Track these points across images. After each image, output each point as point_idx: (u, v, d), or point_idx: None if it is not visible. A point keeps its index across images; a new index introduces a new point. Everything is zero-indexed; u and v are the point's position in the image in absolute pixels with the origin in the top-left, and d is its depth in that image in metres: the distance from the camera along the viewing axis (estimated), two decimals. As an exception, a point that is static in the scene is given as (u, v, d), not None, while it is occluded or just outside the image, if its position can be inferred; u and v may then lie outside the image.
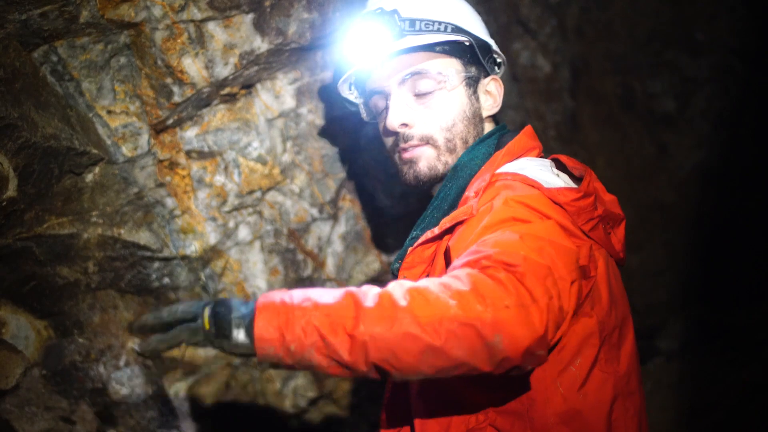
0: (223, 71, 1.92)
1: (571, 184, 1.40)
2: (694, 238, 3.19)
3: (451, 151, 1.51)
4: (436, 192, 1.53)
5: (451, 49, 1.51)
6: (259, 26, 1.94)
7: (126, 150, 1.87)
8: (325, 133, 2.20)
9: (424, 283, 1.12)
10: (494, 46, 1.56)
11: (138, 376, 2.01)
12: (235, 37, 1.92)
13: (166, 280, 2.01)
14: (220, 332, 1.11)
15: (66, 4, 1.63)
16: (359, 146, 2.26)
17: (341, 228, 2.30)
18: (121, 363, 1.99)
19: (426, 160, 1.52)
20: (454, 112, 1.50)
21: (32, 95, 1.64)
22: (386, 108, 1.54)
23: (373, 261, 2.36)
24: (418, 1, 1.52)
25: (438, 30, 1.48)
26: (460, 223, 1.33)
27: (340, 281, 2.32)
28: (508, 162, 1.45)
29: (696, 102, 3.20)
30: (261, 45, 1.95)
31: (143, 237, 1.93)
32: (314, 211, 2.22)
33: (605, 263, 1.36)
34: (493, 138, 1.53)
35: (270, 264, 2.18)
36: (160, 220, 1.98)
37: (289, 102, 2.13)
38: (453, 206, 1.46)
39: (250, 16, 1.93)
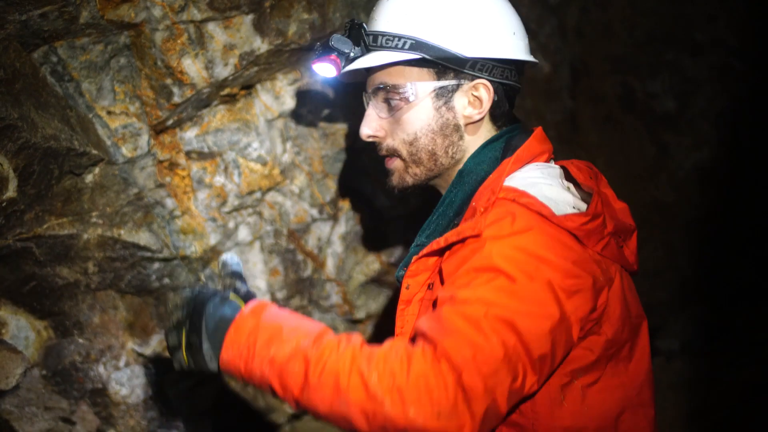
0: (223, 72, 1.92)
1: (580, 203, 1.36)
2: (694, 238, 3.19)
3: (418, 163, 1.50)
4: (442, 197, 1.52)
5: (419, 60, 1.47)
6: (259, 27, 1.95)
7: (126, 150, 1.87)
8: (324, 133, 2.20)
9: (377, 358, 1.16)
10: (472, 53, 1.46)
11: (138, 377, 2.01)
12: (235, 38, 1.92)
13: (166, 280, 2.01)
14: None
15: (66, 5, 1.63)
16: (359, 146, 2.26)
17: (341, 228, 2.30)
18: (121, 363, 1.99)
19: (396, 172, 1.54)
20: (417, 126, 1.48)
21: (32, 96, 1.64)
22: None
23: (373, 261, 2.36)
24: (387, 15, 1.49)
25: (396, 47, 1.46)
26: (463, 241, 1.31)
27: (340, 281, 2.32)
28: (517, 169, 1.42)
29: (696, 102, 3.20)
30: (261, 46, 1.96)
31: (143, 237, 1.93)
32: (314, 212, 2.22)
33: (620, 279, 1.35)
34: (500, 141, 1.50)
35: (270, 264, 2.18)
36: (160, 221, 1.98)
37: (289, 102, 2.13)
38: (459, 213, 1.45)
39: (250, 17, 1.93)
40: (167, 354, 2.05)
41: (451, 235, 1.33)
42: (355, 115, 2.20)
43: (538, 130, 1.52)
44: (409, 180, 1.52)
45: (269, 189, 2.14)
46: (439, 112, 1.49)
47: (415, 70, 1.48)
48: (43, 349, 1.88)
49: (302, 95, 2.15)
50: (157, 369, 2.05)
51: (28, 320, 1.85)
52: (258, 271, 2.16)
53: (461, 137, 1.51)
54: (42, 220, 1.75)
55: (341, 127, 2.20)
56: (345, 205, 2.29)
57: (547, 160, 1.50)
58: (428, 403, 1.10)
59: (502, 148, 1.49)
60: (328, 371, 1.16)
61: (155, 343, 2.04)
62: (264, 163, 2.11)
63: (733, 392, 2.85)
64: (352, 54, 1.53)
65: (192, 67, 1.88)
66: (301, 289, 2.25)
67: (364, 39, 1.50)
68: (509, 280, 1.20)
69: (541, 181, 1.36)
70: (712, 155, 3.19)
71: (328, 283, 2.31)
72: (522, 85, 1.59)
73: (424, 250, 1.39)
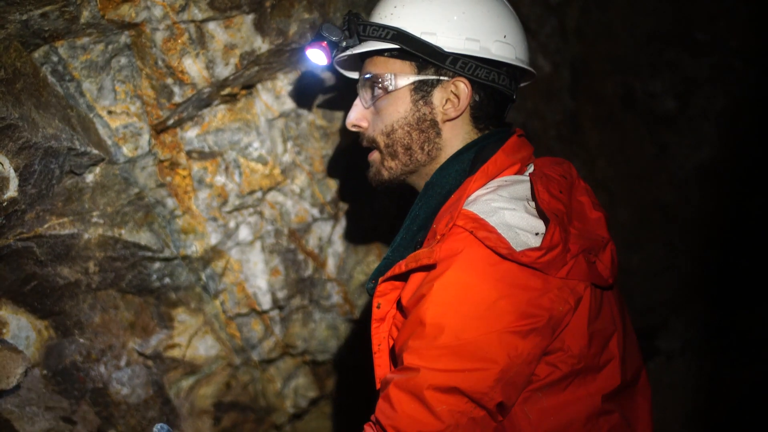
0: (223, 71, 1.92)
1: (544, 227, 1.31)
2: (694, 238, 3.19)
3: (393, 156, 1.51)
4: (410, 209, 1.50)
5: (401, 53, 1.49)
6: (260, 27, 1.95)
7: (127, 150, 1.87)
8: (325, 133, 2.20)
9: None
10: (454, 47, 1.45)
11: (138, 376, 2.01)
12: (236, 38, 1.92)
13: (167, 280, 2.01)
14: None
15: (67, 5, 1.63)
16: (359, 146, 2.26)
17: (342, 228, 2.30)
18: (122, 363, 1.99)
19: (375, 165, 1.56)
20: (394, 118, 1.49)
21: (33, 95, 1.64)
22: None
23: (374, 261, 2.36)
24: (381, 7, 1.53)
25: (378, 37, 1.49)
26: (420, 269, 1.31)
27: (340, 281, 2.32)
28: (481, 186, 1.39)
29: (696, 102, 3.20)
30: (261, 45, 1.96)
31: (144, 237, 1.93)
32: (315, 212, 2.23)
33: (590, 295, 1.31)
34: (469, 153, 1.47)
35: (271, 264, 2.18)
36: (161, 221, 1.98)
37: (290, 102, 2.13)
38: (422, 228, 1.45)
39: (250, 17, 1.93)
40: (167, 353, 2.05)
41: (410, 261, 1.32)
42: (355, 115, 2.21)
43: (512, 140, 1.48)
44: (385, 174, 1.54)
45: (270, 189, 2.14)
46: (416, 105, 1.49)
47: (397, 62, 1.49)
48: (44, 349, 1.88)
49: (303, 95, 2.15)
50: (158, 368, 2.05)
51: (28, 320, 1.85)
52: (259, 270, 2.16)
53: (438, 134, 1.50)
54: (43, 220, 1.75)
55: (342, 127, 2.20)
56: (346, 204, 2.29)
57: (521, 169, 1.46)
58: None
59: (470, 160, 1.46)
60: None
61: (156, 343, 2.04)
62: (265, 163, 2.11)
63: (733, 392, 2.85)
64: (344, 43, 1.55)
65: (193, 67, 1.88)
66: (301, 288, 2.25)
67: (357, 29, 1.53)
68: (452, 338, 1.21)
69: (503, 207, 1.31)
70: (712, 155, 3.19)
71: (329, 282, 2.31)
72: (515, 91, 1.54)
73: (388, 273, 1.38)
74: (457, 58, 1.46)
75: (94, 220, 1.85)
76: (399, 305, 1.38)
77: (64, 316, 1.89)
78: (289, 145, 2.16)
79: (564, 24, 3.11)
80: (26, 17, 1.59)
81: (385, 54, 1.51)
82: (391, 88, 1.49)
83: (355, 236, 2.32)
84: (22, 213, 1.68)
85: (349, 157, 2.26)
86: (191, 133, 2.01)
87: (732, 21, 3.13)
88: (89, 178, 1.82)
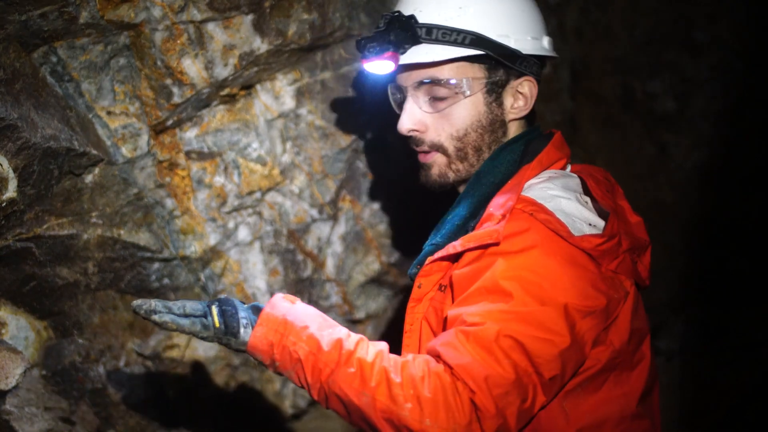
0: (222, 72, 1.92)
1: (597, 219, 1.35)
2: (694, 238, 3.19)
3: (462, 159, 1.48)
4: (458, 197, 1.50)
5: (473, 55, 1.44)
6: (259, 27, 1.95)
7: (126, 151, 1.87)
8: (324, 133, 2.20)
9: (402, 364, 1.20)
10: (526, 49, 1.46)
11: (138, 377, 2.01)
12: (235, 38, 1.92)
13: (166, 280, 2.01)
14: (229, 330, 1.23)
15: (66, 5, 1.63)
16: (359, 146, 2.26)
17: (341, 228, 2.30)
18: (121, 363, 1.99)
19: (437, 167, 1.51)
20: (468, 122, 1.46)
21: (32, 96, 1.64)
22: (402, 108, 1.51)
23: (373, 261, 2.36)
24: (438, 6, 1.44)
25: (455, 42, 1.42)
26: (479, 247, 1.30)
27: (339, 282, 2.32)
28: (535, 175, 1.42)
29: (696, 102, 3.19)
30: (261, 46, 1.96)
31: (143, 238, 1.93)
32: (314, 212, 2.22)
33: (633, 294, 1.35)
34: (519, 144, 1.48)
35: (270, 265, 2.18)
36: (160, 221, 1.98)
37: (289, 103, 2.13)
38: (473, 216, 1.44)
39: (249, 17, 1.93)
40: (166, 354, 2.05)
41: (467, 241, 1.32)
42: (353, 116, 2.20)
43: (557, 135, 1.51)
44: (451, 176, 1.51)
45: (269, 189, 2.14)
46: (490, 108, 1.48)
47: (467, 65, 1.45)
48: (43, 349, 1.88)
49: (302, 95, 2.15)
50: (157, 369, 2.05)
51: (28, 320, 1.85)
52: (258, 271, 2.16)
53: (504, 133, 1.51)
54: (42, 221, 1.75)
55: (341, 127, 2.20)
56: (345, 205, 2.29)
57: (564, 167, 1.49)
58: (444, 418, 1.14)
59: (521, 152, 1.47)
60: (360, 363, 1.19)
61: (155, 344, 2.04)
62: (264, 164, 2.11)
63: (732, 392, 2.85)
64: (405, 48, 1.46)
65: (192, 68, 1.88)
66: (300, 289, 2.25)
67: (414, 31, 1.44)
68: (520, 305, 1.21)
69: (559, 195, 1.35)
70: (712, 155, 3.19)
71: (328, 283, 2.31)
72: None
73: (440, 253, 1.38)
74: (525, 58, 1.47)
75: (93, 220, 1.85)
76: (442, 286, 1.39)
77: (63, 316, 1.89)
78: (288, 145, 2.16)
79: (563, 24, 3.11)
80: (25, 17, 1.59)
81: (455, 58, 1.45)
82: (467, 93, 1.45)
83: (354, 237, 2.32)
84: (21, 213, 1.68)
85: (349, 158, 2.26)
86: (190, 133, 2.01)
87: (732, 21, 3.12)
88: (88, 178, 1.82)
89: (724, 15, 3.13)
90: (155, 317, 1.21)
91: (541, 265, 1.24)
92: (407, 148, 1.56)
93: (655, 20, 3.15)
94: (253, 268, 2.15)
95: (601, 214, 1.37)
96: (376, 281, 2.40)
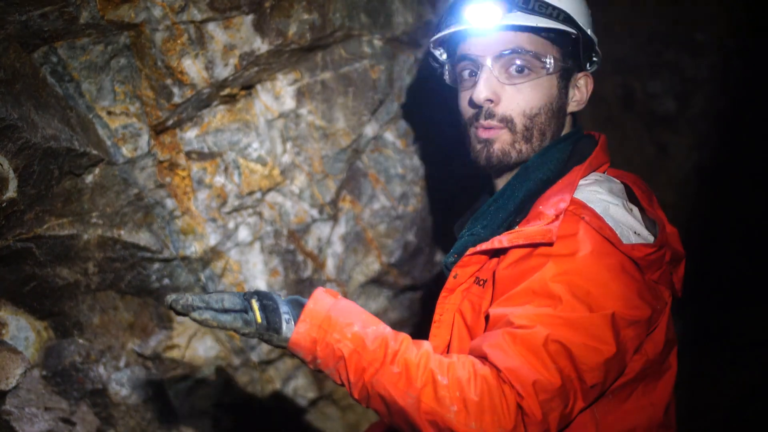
0: (223, 72, 1.92)
1: (642, 228, 1.35)
2: (694, 238, 3.19)
3: (527, 140, 1.46)
4: (501, 188, 1.49)
5: (556, 36, 1.45)
6: (259, 27, 1.94)
7: (126, 151, 1.87)
8: (324, 133, 2.20)
9: (448, 366, 1.18)
10: (596, 44, 1.50)
11: (138, 377, 2.01)
12: (235, 38, 1.92)
13: (166, 281, 2.01)
14: (271, 326, 1.19)
15: (66, 5, 1.63)
16: (359, 146, 2.26)
17: (341, 229, 2.30)
18: (121, 364, 1.99)
19: (500, 143, 1.46)
20: (542, 101, 1.45)
21: (32, 96, 1.64)
22: (474, 79, 1.48)
23: (373, 262, 2.36)
24: None
25: (550, 15, 1.42)
26: (530, 246, 1.29)
27: (340, 282, 2.32)
28: (583, 176, 1.41)
29: (696, 102, 3.20)
30: (261, 46, 1.95)
31: (143, 238, 1.93)
32: (314, 212, 2.22)
33: (670, 306, 1.37)
34: (567, 143, 1.48)
35: (270, 265, 2.18)
36: (160, 221, 1.98)
37: (289, 103, 2.13)
38: (519, 211, 1.43)
39: (250, 17, 1.93)
40: (167, 354, 2.05)
41: (517, 238, 1.30)
42: (355, 115, 2.20)
43: (603, 138, 1.51)
44: (514, 155, 1.47)
45: (269, 189, 2.14)
46: (561, 93, 1.48)
47: (549, 44, 1.45)
48: (43, 350, 1.88)
49: (302, 95, 2.15)
50: (157, 369, 2.05)
51: (28, 321, 1.85)
52: (258, 271, 2.16)
53: (563, 124, 1.51)
54: (42, 221, 1.75)
55: (341, 127, 2.20)
56: (345, 205, 2.29)
57: (604, 171, 1.49)
58: (490, 422, 1.13)
59: (569, 151, 1.47)
60: (406, 362, 1.17)
61: (155, 344, 2.04)
62: (264, 164, 2.11)
63: (732, 392, 2.85)
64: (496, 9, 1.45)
65: (192, 68, 1.88)
66: (301, 289, 2.25)
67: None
68: (568, 310, 1.20)
69: (608, 200, 1.34)
70: (712, 155, 3.19)
71: (328, 283, 2.31)
72: None
73: (484, 246, 1.36)
74: (592, 53, 1.51)
75: (94, 220, 1.85)
76: (481, 280, 1.38)
77: (63, 316, 1.89)
78: (289, 145, 2.16)
79: (564, 24, 3.11)
80: (26, 18, 1.59)
81: (541, 34, 1.45)
82: (550, 69, 1.44)
83: (354, 237, 2.32)
84: (21, 214, 1.68)
85: (349, 158, 2.26)
86: (190, 133, 2.01)
87: (732, 21, 3.12)
88: (88, 178, 1.82)
89: (724, 15, 3.13)
90: (195, 314, 1.16)
91: (591, 270, 1.23)
92: (464, 120, 1.52)
93: (655, 20, 3.16)
94: (253, 268, 2.15)
95: (647, 224, 1.37)
96: (377, 281, 2.40)
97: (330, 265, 2.29)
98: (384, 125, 2.27)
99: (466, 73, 1.51)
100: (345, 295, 2.35)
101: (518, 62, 1.43)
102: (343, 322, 1.20)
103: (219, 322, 1.17)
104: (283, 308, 1.21)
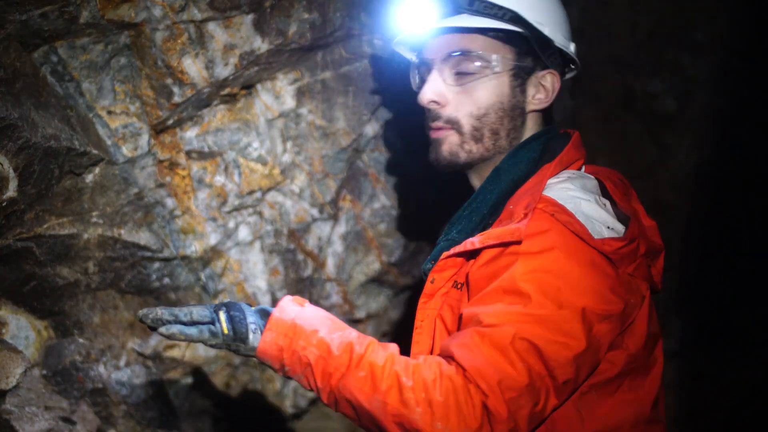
0: (223, 72, 1.92)
1: (615, 222, 1.35)
2: (694, 238, 3.19)
3: (477, 140, 1.46)
4: (475, 192, 1.49)
5: (507, 35, 1.45)
6: (260, 27, 1.95)
7: (126, 150, 1.87)
8: (324, 133, 2.20)
9: (414, 367, 1.19)
10: (558, 42, 1.48)
11: (138, 377, 2.01)
12: (236, 38, 1.92)
13: (167, 280, 2.01)
14: (237, 336, 1.22)
15: (66, 5, 1.63)
16: (359, 146, 2.26)
17: (341, 228, 2.30)
18: (122, 363, 1.99)
19: (448, 145, 1.48)
20: (490, 101, 1.45)
21: (32, 96, 1.64)
22: (425, 81, 1.50)
23: (373, 261, 2.36)
24: None
25: (495, 15, 1.42)
26: (500, 245, 1.29)
27: (340, 281, 2.32)
28: (554, 175, 1.41)
29: (696, 102, 3.19)
30: (261, 45, 1.96)
31: (143, 237, 1.93)
32: (314, 212, 2.22)
33: (649, 299, 1.36)
34: (538, 142, 1.49)
35: (270, 264, 2.18)
36: (161, 221, 1.98)
37: (289, 102, 2.13)
38: (492, 212, 1.43)
39: (250, 17, 1.93)
40: (167, 353, 2.05)
41: (487, 238, 1.31)
42: (354, 115, 2.20)
43: (576, 135, 1.51)
44: (462, 156, 1.48)
45: (269, 189, 2.14)
46: (514, 92, 1.47)
47: (500, 44, 1.45)
48: (44, 349, 1.88)
49: (302, 95, 2.15)
50: (158, 368, 2.05)
51: (28, 320, 1.85)
52: (258, 271, 2.16)
53: (523, 123, 1.50)
54: (42, 220, 1.75)
55: (341, 127, 2.20)
56: (345, 204, 2.29)
57: (580, 168, 1.48)
58: (455, 422, 1.13)
59: (540, 150, 1.47)
60: (371, 366, 1.18)
61: (155, 343, 2.04)
62: (264, 163, 2.11)
63: (732, 392, 2.85)
64: (441, 11, 1.47)
65: (192, 67, 1.88)
66: (301, 288, 2.25)
67: (461, 2, 1.44)
68: (537, 307, 1.20)
69: (579, 196, 1.34)
70: (712, 155, 3.19)
71: (329, 282, 2.31)
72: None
73: (457, 249, 1.37)
74: (554, 51, 1.48)
75: (94, 220, 1.85)
76: (458, 283, 1.38)
77: (63, 316, 1.89)
78: (289, 145, 2.16)
79: (564, 24, 3.11)
80: (26, 17, 1.59)
81: (489, 34, 1.45)
82: (497, 69, 1.44)
83: (354, 236, 2.32)
84: (21, 213, 1.68)
85: (349, 157, 2.26)
86: (191, 133, 2.01)
87: (732, 21, 3.12)
88: (89, 178, 1.82)
89: (724, 15, 3.13)
90: (162, 329, 1.20)
91: (560, 267, 1.23)
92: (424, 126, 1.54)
93: (655, 20, 3.16)
94: (253, 267, 2.16)
95: (620, 217, 1.37)
96: (377, 281, 2.40)
97: (330, 264, 2.29)
98: (384, 125, 2.27)
99: (424, 76, 1.53)
100: (345, 294, 2.35)
101: (464, 63, 1.45)
102: (308, 330, 1.21)
103: (186, 335, 1.20)
104: (251, 318, 1.24)
